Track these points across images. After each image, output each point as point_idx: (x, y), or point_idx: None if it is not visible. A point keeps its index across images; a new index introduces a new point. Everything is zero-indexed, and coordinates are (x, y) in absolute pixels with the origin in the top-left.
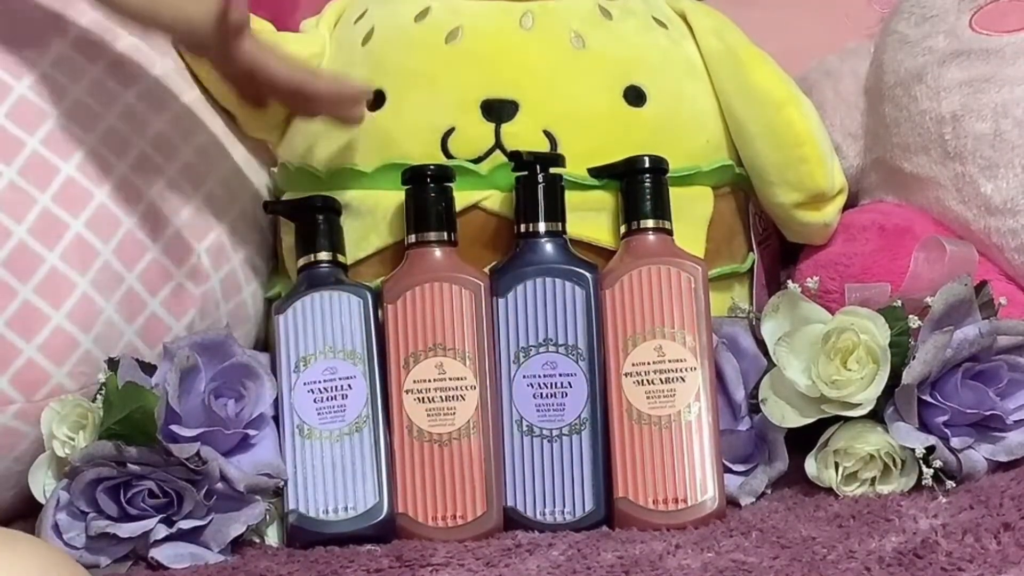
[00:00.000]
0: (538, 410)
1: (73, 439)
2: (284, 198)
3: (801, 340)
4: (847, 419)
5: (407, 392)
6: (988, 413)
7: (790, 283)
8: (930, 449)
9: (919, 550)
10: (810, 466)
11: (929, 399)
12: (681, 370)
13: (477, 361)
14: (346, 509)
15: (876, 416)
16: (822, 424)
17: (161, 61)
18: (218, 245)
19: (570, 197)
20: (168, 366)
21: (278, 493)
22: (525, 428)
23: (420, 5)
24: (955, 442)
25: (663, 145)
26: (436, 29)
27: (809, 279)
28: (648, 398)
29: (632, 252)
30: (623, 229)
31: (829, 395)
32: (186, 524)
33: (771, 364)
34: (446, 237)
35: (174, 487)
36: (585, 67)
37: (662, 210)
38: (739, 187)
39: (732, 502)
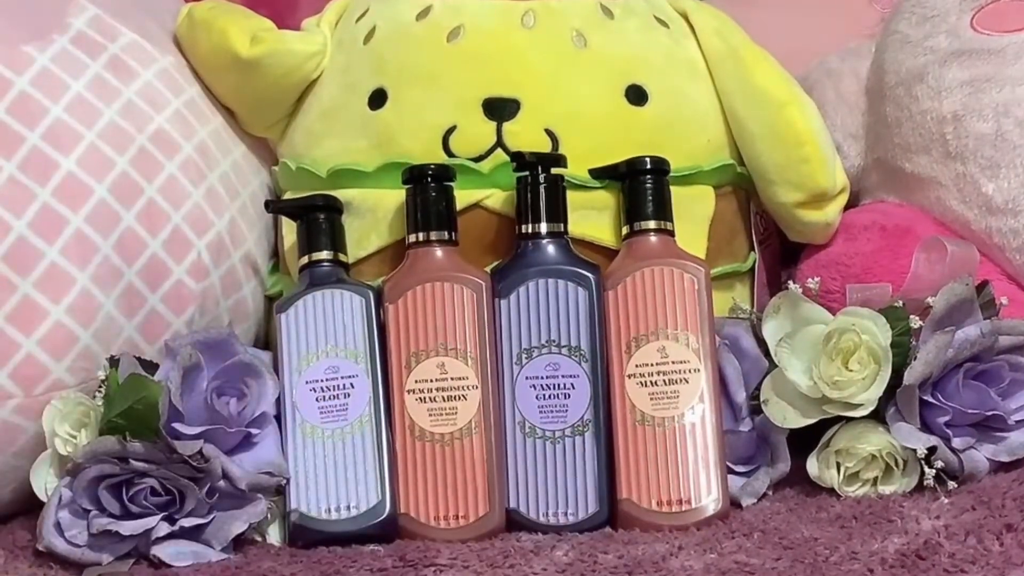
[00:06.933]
0: (541, 411)
1: (75, 437)
2: (285, 197)
3: (802, 341)
4: (848, 419)
5: (409, 392)
6: (990, 413)
7: (791, 284)
8: (932, 449)
9: (922, 551)
10: (811, 466)
11: (931, 399)
12: (684, 371)
13: (479, 361)
14: (348, 508)
15: (878, 416)
16: (823, 424)
17: (162, 58)
18: (218, 241)
19: (572, 196)
20: (171, 364)
21: (280, 492)
22: (528, 429)
23: (422, 4)
24: (957, 442)
25: (664, 144)
26: (437, 28)
27: (810, 279)
28: (651, 399)
29: (634, 254)
30: (625, 230)
31: (831, 396)
32: (188, 522)
33: (772, 365)
34: (447, 237)
35: (176, 485)
36: (586, 66)
37: (664, 211)
38: (740, 186)
39: (734, 503)
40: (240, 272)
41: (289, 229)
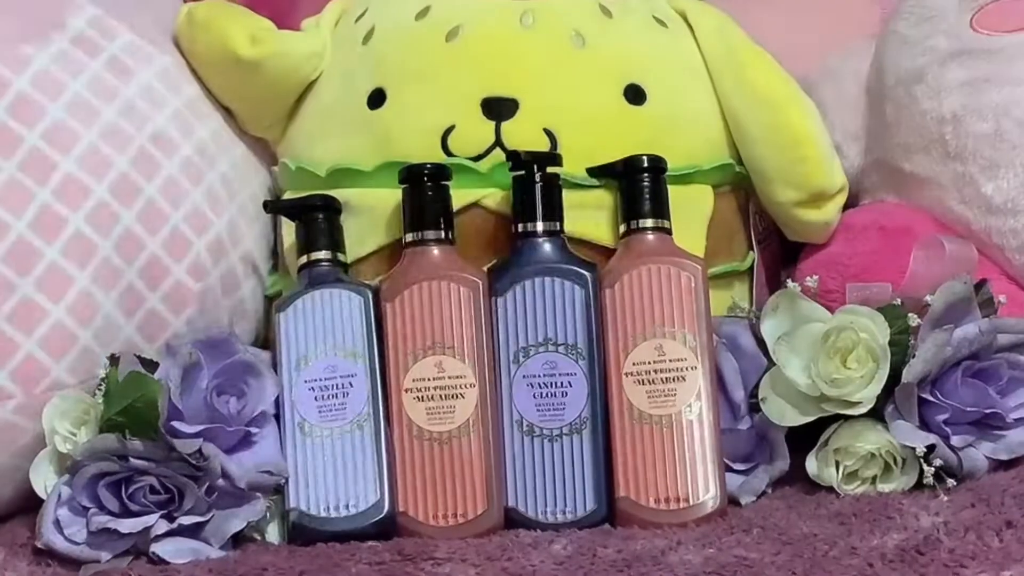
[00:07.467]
0: (538, 410)
1: (75, 434)
2: (285, 197)
3: (801, 339)
4: (847, 418)
5: (407, 391)
6: (988, 411)
7: (790, 282)
8: (931, 448)
9: (921, 547)
10: (811, 465)
11: (929, 397)
12: (681, 369)
13: (476, 359)
14: (347, 507)
15: (876, 415)
16: (822, 423)
17: (161, 57)
18: (217, 241)
19: (569, 196)
20: (170, 363)
21: (279, 491)
22: (525, 428)
23: (420, 4)
24: (955, 440)
25: (663, 143)
26: (436, 27)
27: (809, 278)
28: (649, 397)
29: (631, 252)
30: (622, 229)
31: (829, 394)
32: (187, 520)
33: (771, 363)
34: (444, 236)
35: (175, 483)
36: (585, 65)
37: (661, 209)
38: (739, 186)
39: (733, 501)
40: (239, 272)
41: (288, 229)
